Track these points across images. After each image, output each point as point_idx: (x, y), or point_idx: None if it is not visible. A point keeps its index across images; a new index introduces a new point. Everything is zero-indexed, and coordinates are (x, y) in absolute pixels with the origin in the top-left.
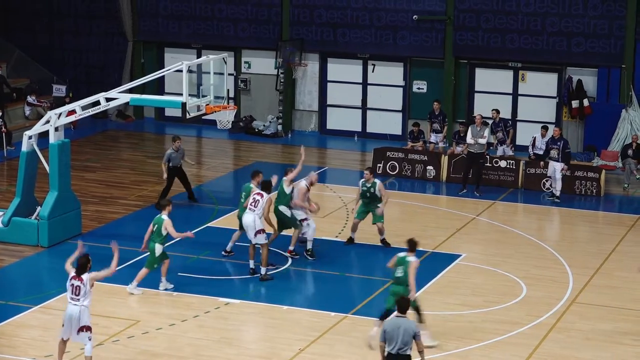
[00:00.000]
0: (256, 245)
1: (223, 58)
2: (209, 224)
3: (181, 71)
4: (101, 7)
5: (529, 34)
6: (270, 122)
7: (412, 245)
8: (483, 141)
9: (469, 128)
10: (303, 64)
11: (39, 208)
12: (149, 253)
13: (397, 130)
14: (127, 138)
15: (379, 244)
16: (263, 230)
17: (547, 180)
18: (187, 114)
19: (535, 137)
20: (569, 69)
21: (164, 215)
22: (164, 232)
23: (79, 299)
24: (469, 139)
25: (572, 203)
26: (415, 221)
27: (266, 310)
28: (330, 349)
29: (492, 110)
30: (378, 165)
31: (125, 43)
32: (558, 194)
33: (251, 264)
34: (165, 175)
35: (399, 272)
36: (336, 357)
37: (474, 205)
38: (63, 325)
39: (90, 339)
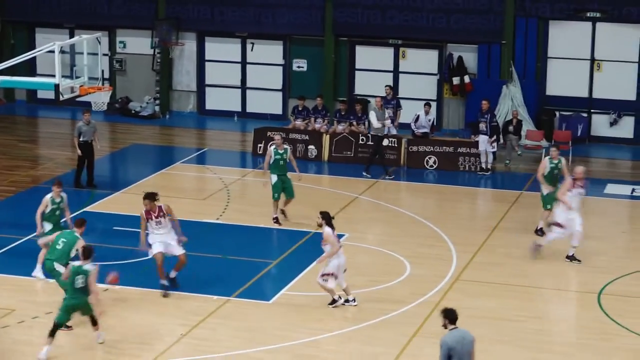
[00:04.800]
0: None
1: (97, 38)
2: (85, 209)
3: (53, 52)
4: None
5: (408, 10)
6: (147, 103)
7: (86, 253)
8: (389, 122)
9: (372, 112)
10: (180, 44)
11: None
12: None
13: (277, 109)
14: None
15: (262, 224)
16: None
17: (430, 158)
18: (61, 96)
19: (418, 115)
20: (449, 45)
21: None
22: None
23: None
24: (376, 123)
25: (456, 180)
26: (297, 202)
27: (146, 295)
28: (213, 333)
29: (386, 86)
30: (259, 145)
31: None
32: (489, 166)
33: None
34: (79, 152)
35: (80, 283)
36: (219, 342)
37: (356, 184)
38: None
39: None
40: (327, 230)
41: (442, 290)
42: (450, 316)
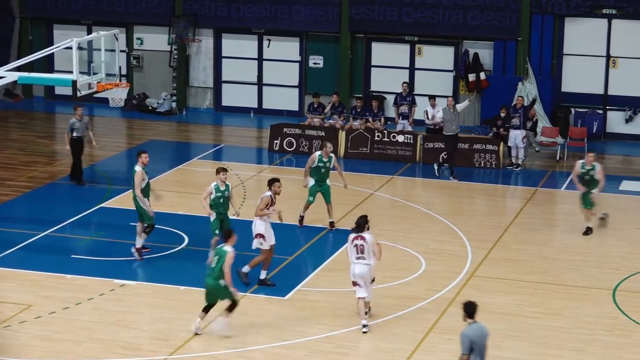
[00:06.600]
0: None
1: (114, 34)
2: (102, 205)
3: (71, 48)
4: None
5: (424, 7)
6: (164, 99)
7: (227, 236)
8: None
9: (441, 111)
10: (197, 40)
11: None
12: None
13: (293, 106)
14: (16, 118)
15: (277, 221)
16: (260, 235)
17: (445, 155)
18: (78, 92)
19: (426, 110)
20: (465, 42)
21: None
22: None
23: (364, 258)
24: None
25: (471, 177)
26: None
27: (162, 291)
28: (228, 329)
29: (403, 83)
30: (275, 141)
31: (12, 20)
32: (520, 162)
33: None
34: (67, 147)
35: (214, 263)
36: (235, 337)
37: (371, 180)
38: (357, 284)
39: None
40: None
41: (457, 287)
42: (467, 310)
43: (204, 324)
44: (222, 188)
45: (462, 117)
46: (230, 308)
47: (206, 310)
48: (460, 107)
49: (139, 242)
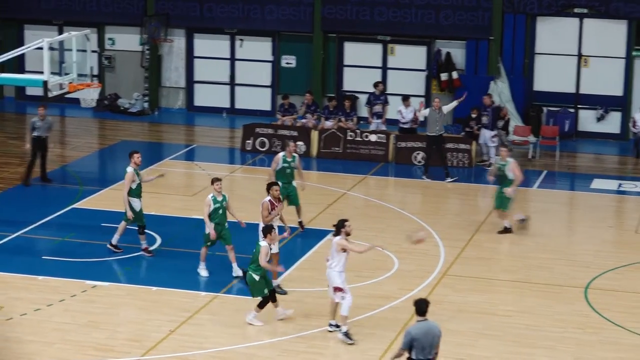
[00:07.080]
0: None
1: (85, 34)
2: (73, 205)
3: (42, 49)
4: None
5: (397, 7)
6: (136, 99)
7: (267, 231)
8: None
9: (428, 111)
10: (169, 40)
11: None
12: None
13: (266, 106)
14: None
15: (249, 220)
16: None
17: (418, 154)
18: (49, 93)
19: (400, 110)
20: (437, 41)
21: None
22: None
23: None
24: (432, 122)
25: (443, 175)
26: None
27: (135, 292)
28: (201, 329)
29: (379, 83)
30: (247, 141)
31: None
32: (492, 160)
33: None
34: (27, 146)
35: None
36: (207, 338)
37: (344, 180)
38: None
39: (343, 299)
40: None
41: (430, 286)
42: (417, 308)
43: (282, 309)
44: (219, 198)
45: (446, 118)
46: (261, 304)
47: (272, 300)
48: (447, 108)
49: (145, 242)
